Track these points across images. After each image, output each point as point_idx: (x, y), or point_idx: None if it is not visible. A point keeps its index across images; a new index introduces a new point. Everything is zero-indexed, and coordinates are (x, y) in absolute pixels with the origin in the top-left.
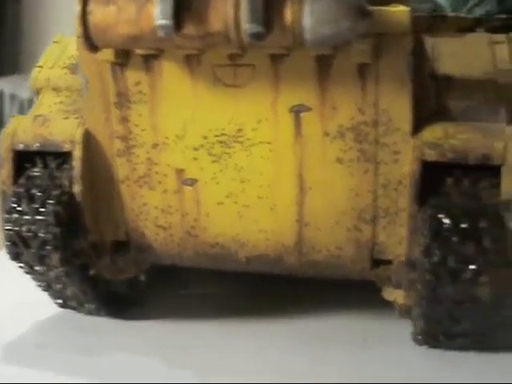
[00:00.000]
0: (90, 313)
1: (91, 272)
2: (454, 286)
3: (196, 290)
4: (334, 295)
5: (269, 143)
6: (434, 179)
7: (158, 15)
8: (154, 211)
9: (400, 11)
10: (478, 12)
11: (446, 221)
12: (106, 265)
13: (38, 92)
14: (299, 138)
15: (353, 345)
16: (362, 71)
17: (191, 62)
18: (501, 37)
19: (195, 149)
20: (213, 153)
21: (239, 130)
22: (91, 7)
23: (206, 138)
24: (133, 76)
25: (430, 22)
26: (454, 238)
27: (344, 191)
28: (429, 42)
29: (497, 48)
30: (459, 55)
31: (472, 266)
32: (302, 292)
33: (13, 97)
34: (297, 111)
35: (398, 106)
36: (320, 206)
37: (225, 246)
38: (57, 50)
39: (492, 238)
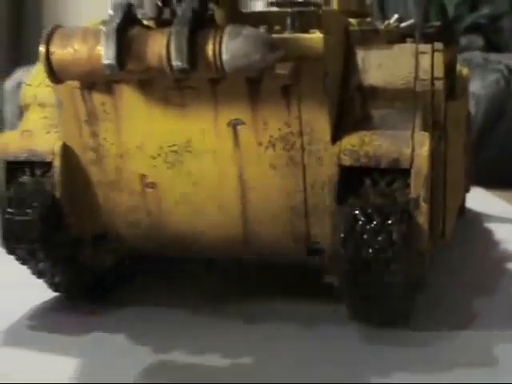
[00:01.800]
0: (78, 297)
1: (75, 262)
2: (368, 273)
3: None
4: (282, 279)
5: (213, 152)
6: (354, 180)
7: (104, 57)
8: (124, 209)
9: (314, 38)
10: None
11: (361, 217)
12: (89, 255)
13: (25, 107)
14: (237, 147)
15: (299, 323)
16: (286, 91)
17: (145, 86)
18: (426, 47)
19: (153, 157)
20: (168, 160)
21: (188, 142)
22: (53, 49)
23: (161, 148)
24: (98, 98)
25: (364, 36)
26: (367, 233)
27: (279, 191)
28: (360, 54)
29: (421, 58)
30: (385, 66)
31: (382, 256)
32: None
33: None
34: (234, 125)
35: (319, 119)
36: (260, 203)
37: (185, 238)
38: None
39: (400, 232)
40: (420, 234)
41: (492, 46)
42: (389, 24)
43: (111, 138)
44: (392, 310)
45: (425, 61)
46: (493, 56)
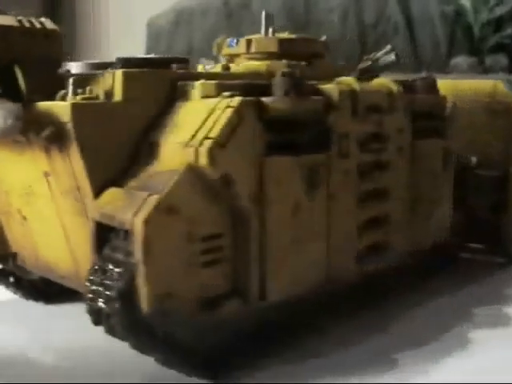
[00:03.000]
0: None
1: (6, 274)
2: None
3: None
4: None
5: (42, 196)
6: (106, 234)
7: None
8: (17, 236)
9: (61, 106)
10: (499, 12)
11: (96, 272)
12: (16, 269)
13: None
14: (52, 195)
15: None
16: (60, 150)
17: None
18: (224, 103)
19: (19, 196)
20: (25, 200)
21: (29, 187)
22: None
23: (19, 190)
24: None
25: (184, 90)
26: (97, 285)
27: (84, 238)
28: (171, 109)
29: (213, 115)
30: (180, 123)
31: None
32: None
33: None
34: (45, 175)
35: (83, 177)
36: (77, 247)
37: (49, 267)
38: None
39: (117, 290)
40: (141, 296)
41: None
42: (375, 55)
43: None
44: None
45: (213, 118)
46: None
